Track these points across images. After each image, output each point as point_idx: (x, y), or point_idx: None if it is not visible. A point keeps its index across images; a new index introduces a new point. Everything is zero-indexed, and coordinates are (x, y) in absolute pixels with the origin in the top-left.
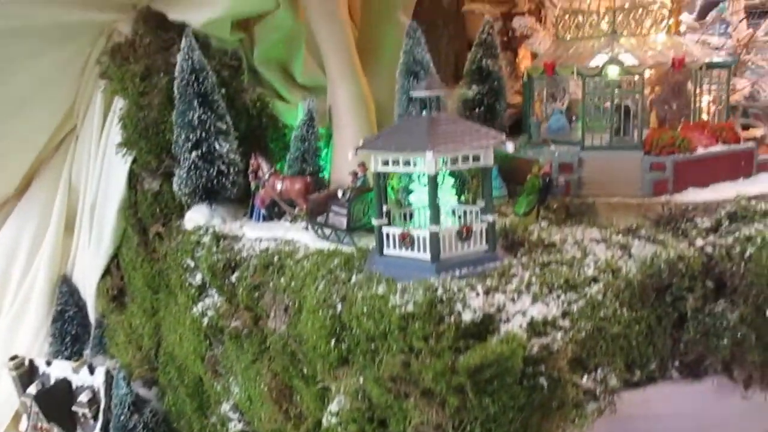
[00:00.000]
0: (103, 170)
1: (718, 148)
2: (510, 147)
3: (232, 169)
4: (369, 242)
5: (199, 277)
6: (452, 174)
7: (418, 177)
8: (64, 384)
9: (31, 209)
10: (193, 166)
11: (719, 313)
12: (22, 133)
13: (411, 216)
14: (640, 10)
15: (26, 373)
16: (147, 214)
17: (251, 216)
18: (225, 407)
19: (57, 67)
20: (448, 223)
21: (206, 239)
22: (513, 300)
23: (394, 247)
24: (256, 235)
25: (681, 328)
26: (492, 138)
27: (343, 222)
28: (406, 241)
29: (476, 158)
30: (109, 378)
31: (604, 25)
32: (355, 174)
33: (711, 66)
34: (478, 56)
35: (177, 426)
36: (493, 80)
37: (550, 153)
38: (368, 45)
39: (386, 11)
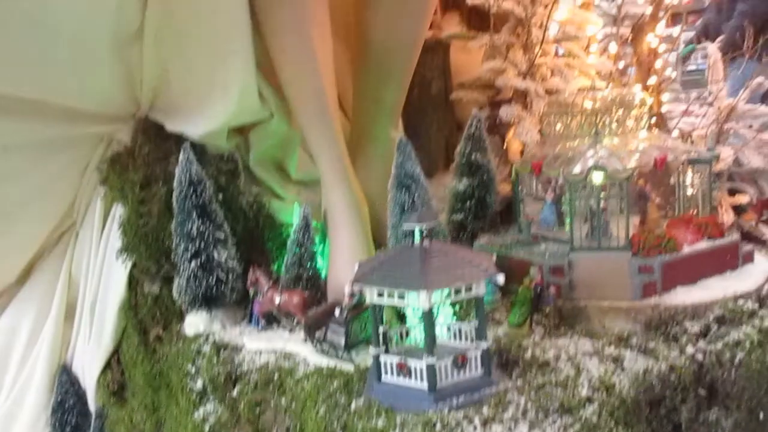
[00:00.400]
0: (103, 272)
1: (703, 244)
2: (500, 279)
3: (230, 276)
4: (367, 357)
5: (200, 382)
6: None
7: (413, 309)
8: None
9: (31, 298)
10: (192, 275)
11: (714, 422)
12: (21, 231)
13: (407, 333)
14: (622, 110)
15: None
16: (147, 316)
17: (250, 321)
18: None
19: (56, 174)
20: (444, 338)
21: (206, 348)
22: (510, 430)
23: (392, 374)
24: (255, 346)
25: None
26: (483, 271)
27: (341, 341)
28: (404, 370)
29: (469, 288)
30: None
31: (586, 127)
32: (351, 295)
33: (692, 162)
34: (467, 150)
35: None
36: (483, 173)
37: (540, 255)
38: (360, 141)
39: (375, 129)
